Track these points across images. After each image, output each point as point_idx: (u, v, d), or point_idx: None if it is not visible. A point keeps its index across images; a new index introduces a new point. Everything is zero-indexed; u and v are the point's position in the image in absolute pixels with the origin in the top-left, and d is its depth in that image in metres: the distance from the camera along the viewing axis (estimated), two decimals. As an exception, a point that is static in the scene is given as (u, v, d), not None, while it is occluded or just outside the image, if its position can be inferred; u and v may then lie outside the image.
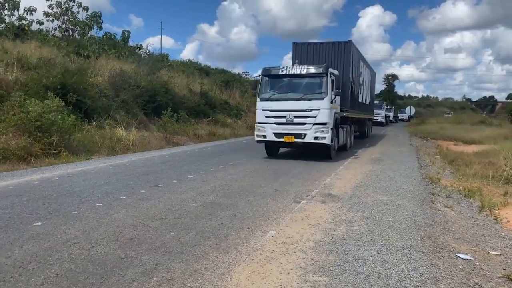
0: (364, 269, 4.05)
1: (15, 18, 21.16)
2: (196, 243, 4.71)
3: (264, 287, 3.62)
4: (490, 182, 9.42)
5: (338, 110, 13.17)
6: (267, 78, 12.60)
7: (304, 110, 11.60)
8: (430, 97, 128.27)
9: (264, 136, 12.16)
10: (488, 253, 4.78)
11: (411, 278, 3.85)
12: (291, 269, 3.99)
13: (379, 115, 37.45)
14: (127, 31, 26.87)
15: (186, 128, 19.51)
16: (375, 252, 4.51)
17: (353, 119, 17.21)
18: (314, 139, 11.61)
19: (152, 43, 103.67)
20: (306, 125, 11.60)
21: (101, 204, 6.36)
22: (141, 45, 27.95)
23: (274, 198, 7.12)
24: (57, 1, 22.03)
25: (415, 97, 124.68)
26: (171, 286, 3.60)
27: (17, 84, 13.69)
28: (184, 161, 11.73)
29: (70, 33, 23.26)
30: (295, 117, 11.66)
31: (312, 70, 12.02)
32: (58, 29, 22.86)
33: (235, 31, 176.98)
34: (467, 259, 4.46)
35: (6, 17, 21.02)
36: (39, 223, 5.30)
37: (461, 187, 8.52)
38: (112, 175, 9.08)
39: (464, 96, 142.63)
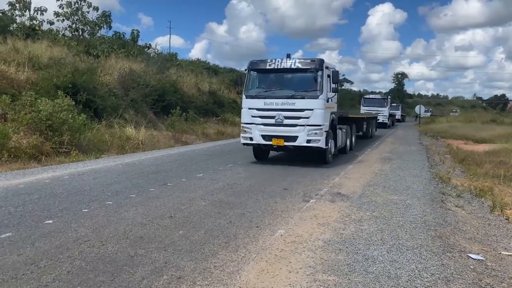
0: (374, 268, 4.02)
1: (26, 18, 21.35)
2: (205, 241, 4.72)
3: (273, 286, 3.61)
4: (502, 181, 9.32)
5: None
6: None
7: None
8: (440, 95, 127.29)
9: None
10: (500, 253, 4.73)
11: (422, 278, 3.82)
12: (300, 268, 3.99)
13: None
14: (136, 30, 26.93)
15: (195, 127, 19.57)
16: (385, 252, 4.48)
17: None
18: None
19: (161, 42, 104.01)
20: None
21: (111, 203, 6.41)
22: (150, 44, 28.02)
23: (283, 197, 7.11)
24: (67, 1, 22.17)
25: (425, 95, 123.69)
26: (181, 284, 3.61)
27: (28, 84, 13.85)
28: (193, 160, 11.77)
29: (80, 32, 23.40)
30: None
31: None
32: (68, 29, 23.00)
33: (244, 29, 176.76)
34: (479, 259, 4.41)
35: (17, 17, 21.24)
36: (50, 221, 5.36)
37: (472, 187, 8.43)
38: (121, 173, 9.14)
39: (475, 94, 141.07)
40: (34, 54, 16.03)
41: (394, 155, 14.07)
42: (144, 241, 4.70)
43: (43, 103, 11.02)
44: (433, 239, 4.99)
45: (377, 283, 3.70)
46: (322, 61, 10.76)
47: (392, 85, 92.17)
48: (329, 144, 11.07)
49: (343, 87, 69.39)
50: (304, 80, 10.99)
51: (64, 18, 22.43)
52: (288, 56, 11.03)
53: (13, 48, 16.16)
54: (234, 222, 5.51)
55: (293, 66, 10.81)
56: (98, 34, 23.57)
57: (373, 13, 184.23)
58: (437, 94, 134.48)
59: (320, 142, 10.40)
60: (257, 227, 5.32)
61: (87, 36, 23.58)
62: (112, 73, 18.79)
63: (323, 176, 9.37)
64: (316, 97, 10.44)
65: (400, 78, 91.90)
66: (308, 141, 10.40)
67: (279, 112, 10.52)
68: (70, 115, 11.47)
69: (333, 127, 11.54)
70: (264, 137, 10.77)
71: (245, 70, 11.84)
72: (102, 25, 23.42)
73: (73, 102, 12.65)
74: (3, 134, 9.90)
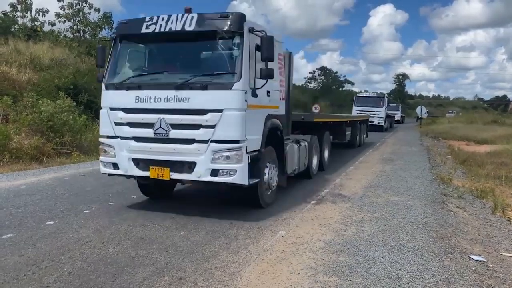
0: (375, 270, 4.02)
1: (27, 19, 21.48)
2: (206, 242, 4.72)
3: (274, 287, 3.61)
4: (503, 182, 9.30)
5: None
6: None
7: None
8: (441, 96, 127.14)
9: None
10: (502, 254, 4.72)
11: (423, 280, 3.81)
12: (302, 269, 3.98)
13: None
14: (138, 31, 26.97)
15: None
16: (386, 253, 4.48)
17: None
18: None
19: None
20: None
21: (112, 203, 6.42)
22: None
23: (284, 198, 7.10)
24: (68, 3, 22.27)
25: (426, 96, 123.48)
26: (182, 285, 3.61)
27: (29, 85, 13.89)
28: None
29: (81, 34, 23.47)
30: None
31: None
32: (69, 30, 23.09)
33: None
34: (480, 261, 4.40)
35: (19, 19, 21.35)
36: (51, 222, 5.37)
37: (473, 188, 8.41)
38: (122, 174, 9.14)
39: (476, 95, 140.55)
40: (36, 55, 16.09)
41: (395, 156, 14.04)
42: (145, 242, 4.70)
43: (44, 104, 11.05)
44: (434, 240, 4.98)
45: (378, 284, 3.70)
46: (241, 18, 5.64)
47: (393, 86, 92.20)
48: (266, 175, 6.18)
49: (344, 88, 69.05)
50: (209, 55, 6.17)
51: (66, 19, 22.50)
52: (188, 11, 5.91)
53: (15, 49, 16.23)
54: (235, 223, 5.51)
55: (188, 29, 5.62)
56: (100, 35, 23.62)
57: (374, 14, 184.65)
58: (438, 95, 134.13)
59: (236, 174, 5.38)
60: (258, 228, 5.32)
61: (88, 37, 23.63)
62: (113, 74, 18.79)
63: (324, 177, 9.33)
64: (229, 86, 5.42)
65: (401, 79, 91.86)
66: (214, 172, 5.42)
67: (162, 116, 5.56)
68: (71, 116, 11.52)
69: (277, 141, 6.64)
70: (137, 162, 5.79)
71: (110, 37, 6.96)
72: (103, 26, 23.47)
73: (74, 103, 12.70)
74: (4, 135, 9.93)
